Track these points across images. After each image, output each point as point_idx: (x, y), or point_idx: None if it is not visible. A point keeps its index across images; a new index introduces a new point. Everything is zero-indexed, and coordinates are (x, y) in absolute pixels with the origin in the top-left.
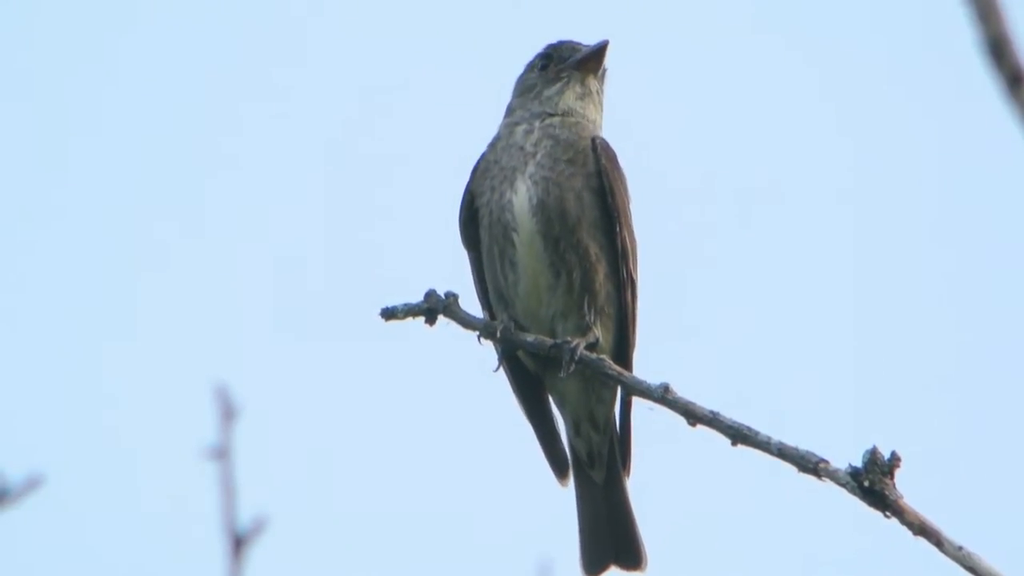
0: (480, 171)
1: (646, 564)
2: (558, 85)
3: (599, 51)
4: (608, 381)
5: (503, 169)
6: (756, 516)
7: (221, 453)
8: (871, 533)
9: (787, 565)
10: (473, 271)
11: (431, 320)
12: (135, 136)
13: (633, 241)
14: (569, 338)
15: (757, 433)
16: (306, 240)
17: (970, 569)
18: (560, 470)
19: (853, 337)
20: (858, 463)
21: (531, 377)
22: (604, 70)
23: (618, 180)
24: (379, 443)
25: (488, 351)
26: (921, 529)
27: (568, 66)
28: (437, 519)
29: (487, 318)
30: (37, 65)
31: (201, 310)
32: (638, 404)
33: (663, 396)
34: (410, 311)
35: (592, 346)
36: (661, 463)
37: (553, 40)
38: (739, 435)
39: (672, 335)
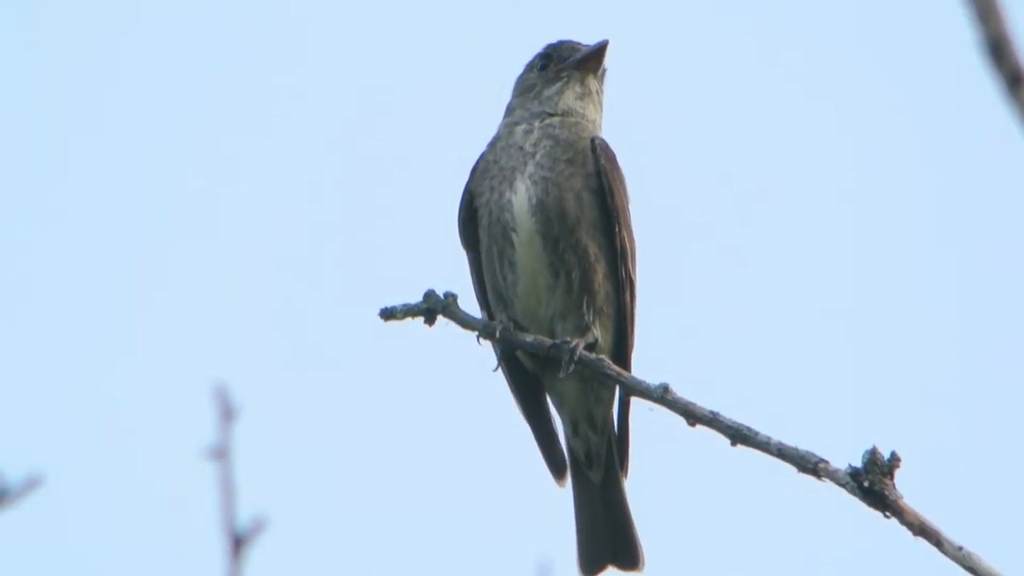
0: (479, 171)
1: (643, 564)
2: (558, 85)
3: (599, 51)
4: (607, 381)
5: (502, 169)
6: (756, 516)
7: (221, 453)
8: (871, 533)
9: (787, 565)
10: (472, 271)
11: (430, 320)
12: (135, 136)
13: (632, 241)
14: (568, 338)
15: (757, 433)
16: (305, 240)
17: (970, 569)
18: (558, 470)
19: (853, 337)
20: (858, 463)
21: (529, 377)
22: (604, 70)
23: (617, 180)
24: (378, 443)
25: (487, 351)
26: (921, 529)
27: (568, 66)
28: (435, 519)
29: (486, 318)
30: (37, 66)
31: (201, 310)
32: (637, 404)
33: (663, 396)
34: (409, 311)
35: (591, 346)
36: (661, 463)
37: (553, 40)
38: (739, 435)
39: (671, 335)
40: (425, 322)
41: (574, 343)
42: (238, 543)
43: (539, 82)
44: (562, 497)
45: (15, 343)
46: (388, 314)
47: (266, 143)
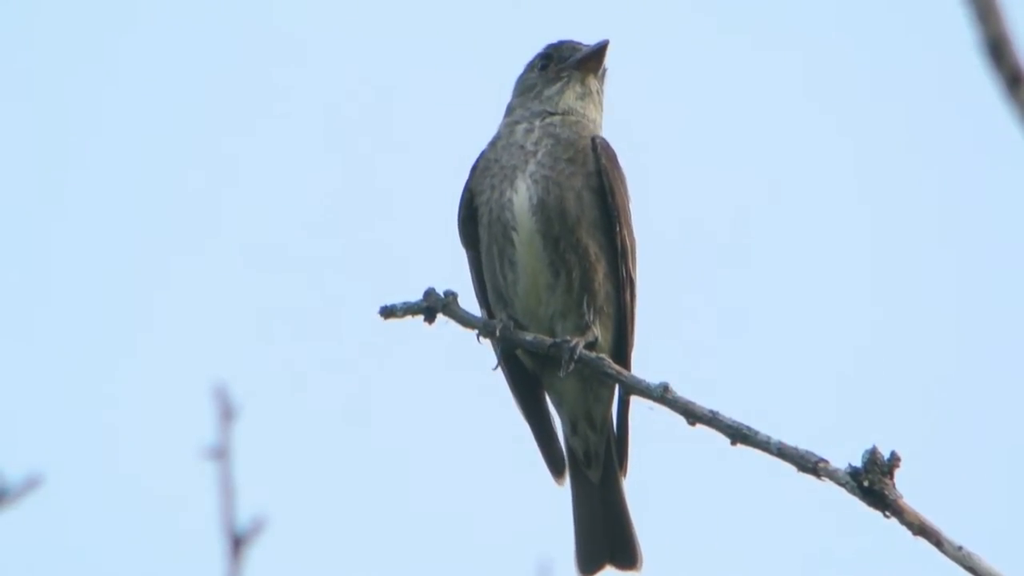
0: (480, 169)
1: (641, 564)
2: (558, 84)
3: (599, 51)
4: (607, 380)
5: (503, 168)
6: (756, 516)
7: (220, 453)
8: (871, 533)
9: (787, 565)
10: (472, 270)
11: (430, 319)
12: (134, 136)
13: (632, 240)
14: (568, 337)
15: (757, 433)
16: (305, 239)
17: (970, 569)
18: (557, 469)
19: (853, 337)
20: (858, 463)
21: (529, 376)
22: (604, 70)
23: (618, 179)
24: (378, 442)
25: (487, 350)
26: (921, 529)
27: (568, 66)
28: (435, 518)
29: (486, 317)
30: (37, 66)
31: (200, 309)
32: (637, 404)
33: (663, 395)
34: (409, 309)
35: (591, 345)
36: (660, 462)
37: (553, 40)
38: (739, 435)
39: (671, 335)
40: (425, 320)
41: (574, 342)
42: (238, 543)
43: (540, 82)
44: (561, 496)
45: (15, 343)
46: (388, 312)
47: (266, 142)
